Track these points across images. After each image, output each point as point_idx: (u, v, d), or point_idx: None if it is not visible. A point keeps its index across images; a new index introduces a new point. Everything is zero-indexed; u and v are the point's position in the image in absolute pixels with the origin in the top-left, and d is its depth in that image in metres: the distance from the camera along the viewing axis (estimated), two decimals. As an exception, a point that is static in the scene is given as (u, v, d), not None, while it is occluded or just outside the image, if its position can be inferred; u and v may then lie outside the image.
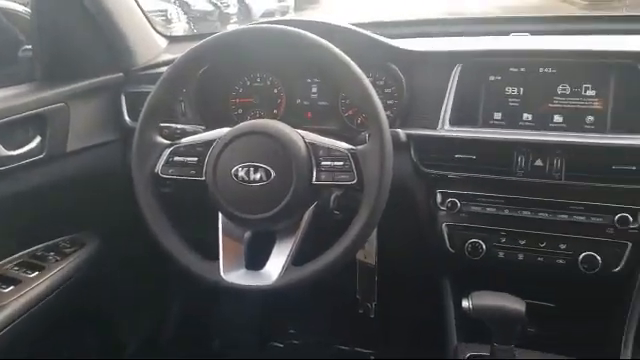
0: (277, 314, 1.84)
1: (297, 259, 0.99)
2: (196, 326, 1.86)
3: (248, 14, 10.21)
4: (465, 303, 1.06)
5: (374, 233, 1.31)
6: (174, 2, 8.17)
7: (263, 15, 10.25)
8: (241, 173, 0.99)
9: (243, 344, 1.83)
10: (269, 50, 1.08)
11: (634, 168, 1.13)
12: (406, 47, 1.31)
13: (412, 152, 1.26)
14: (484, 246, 1.22)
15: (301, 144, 1.00)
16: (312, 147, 1.00)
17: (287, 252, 0.99)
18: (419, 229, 1.29)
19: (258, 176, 0.98)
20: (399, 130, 1.19)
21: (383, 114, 0.97)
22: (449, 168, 1.24)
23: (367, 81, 0.98)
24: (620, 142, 1.14)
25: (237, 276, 1.00)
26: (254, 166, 0.98)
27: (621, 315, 1.20)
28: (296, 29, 1.00)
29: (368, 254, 1.31)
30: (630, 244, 1.15)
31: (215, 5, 9.69)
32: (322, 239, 0.98)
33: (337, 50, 0.99)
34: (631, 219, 1.14)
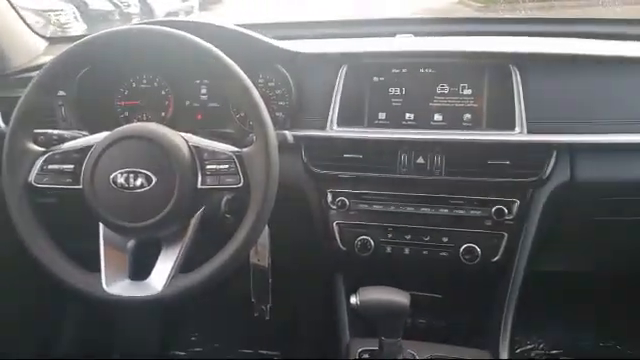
0: (178, 323, 1.80)
1: (186, 266, 0.97)
2: (93, 341, 1.77)
3: (150, 14, 9.88)
4: (353, 299, 1.08)
5: (266, 234, 1.32)
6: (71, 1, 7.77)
7: (167, 15, 9.96)
8: (120, 180, 0.95)
9: (144, 356, 1.77)
10: (152, 51, 1.05)
11: (508, 162, 1.20)
12: (292, 49, 1.32)
13: (302, 153, 1.27)
14: (372, 242, 1.25)
15: (184, 148, 0.98)
16: (196, 150, 0.98)
17: (173, 260, 0.97)
18: (312, 228, 1.31)
19: (139, 182, 0.95)
20: (286, 132, 1.20)
21: (266, 115, 0.97)
22: (338, 168, 1.26)
23: (248, 82, 0.97)
24: (494, 138, 1.20)
25: (120, 288, 0.96)
26: (134, 172, 0.95)
27: (501, 303, 1.27)
28: (177, 31, 0.98)
29: (261, 256, 1.31)
30: (506, 234, 1.22)
31: (115, 4, 9.31)
32: (215, 244, 0.97)
33: (218, 52, 0.98)
34: (506, 211, 1.21)
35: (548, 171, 1.20)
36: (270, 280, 1.31)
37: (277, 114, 1.31)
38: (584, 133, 1.20)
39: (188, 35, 0.98)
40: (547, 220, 1.23)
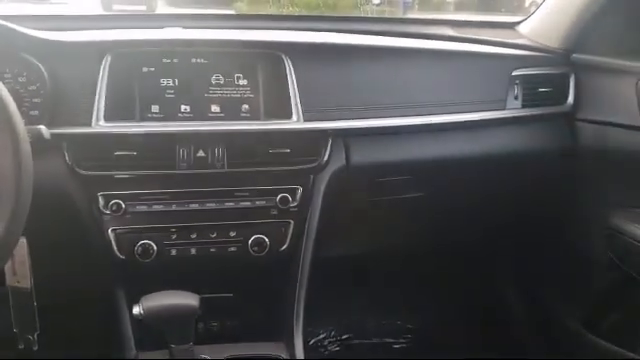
0: None
1: None
2: None
3: None
4: (136, 309, 0.99)
5: (25, 250, 1.13)
6: None
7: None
8: None
9: None
10: None
11: (288, 151, 1.20)
12: (45, 37, 1.16)
13: (65, 153, 1.12)
14: (155, 246, 1.15)
15: None
16: None
17: None
18: (83, 238, 1.16)
19: None
20: (41, 127, 1.04)
21: (10, 106, 0.82)
22: (110, 167, 1.14)
23: None
24: (273, 127, 1.19)
25: None
26: None
27: (292, 292, 1.27)
28: None
29: (21, 276, 1.12)
30: (292, 222, 1.22)
31: None
32: None
33: None
34: (291, 198, 1.21)
35: (326, 157, 1.23)
36: (35, 303, 1.13)
37: (32, 112, 1.13)
38: (356, 119, 1.26)
39: None
40: (329, 204, 1.26)
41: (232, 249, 1.20)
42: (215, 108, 1.20)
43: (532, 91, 1.41)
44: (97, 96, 1.14)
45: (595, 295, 1.58)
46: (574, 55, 1.43)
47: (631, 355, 1.44)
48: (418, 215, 1.49)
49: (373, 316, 1.86)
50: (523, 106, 1.40)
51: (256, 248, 1.20)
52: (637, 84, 1.29)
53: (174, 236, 1.17)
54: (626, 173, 1.37)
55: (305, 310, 1.27)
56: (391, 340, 1.78)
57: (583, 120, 1.42)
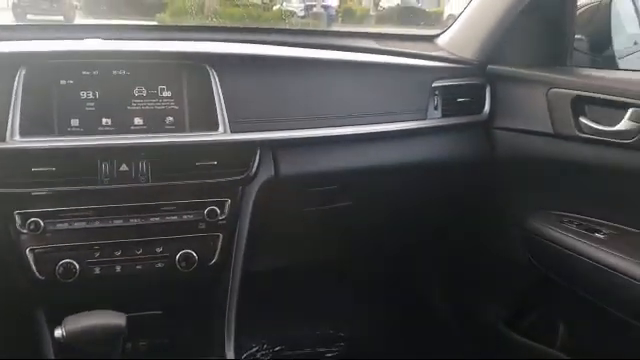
0: None
1: None
2: None
3: None
4: (58, 332, 0.94)
5: None
6: None
7: None
8: None
9: None
10: None
11: (215, 163, 1.19)
12: None
13: None
14: (77, 265, 1.11)
15: None
16: None
17: None
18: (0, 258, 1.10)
19: None
20: None
21: None
22: (27, 184, 1.09)
23: None
24: (199, 139, 1.18)
25: None
26: None
27: (222, 307, 1.25)
28: None
29: None
30: (221, 235, 1.21)
31: None
32: None
33: None
34: (219, 211, 1.20)
35: (254, 168, 1.22)
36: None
37: None
38: (284, 130, 1.26)
39: None
40: (259, 216, 1.25)
41: (159, 265, 1.17)
42: (138, 121, 1.17)
43: (451, 101, 1.47)
44: (11, 109, 1.08)
45: (516, 295, 1.66)
46: (489, 66, 1.50)
47: (549, 351, 1.52)
48: (347, 224, 1.51)
49: (306, 326, 1.86)
50: (443, 116, 1.46)
51: (184, 263, 1.17)
52: (547, 93, 1.37)
53: (97, 254, 1.13)
54: (541, 178, 1.45)
55: (237, 324, 1.26)
56: (324, 349, 1.79)
57: (499, 128, 1.49)
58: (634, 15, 1.84)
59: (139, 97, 1.17)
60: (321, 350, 1.79)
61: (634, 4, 1.82)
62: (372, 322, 1.87)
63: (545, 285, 1.52)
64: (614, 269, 1.24)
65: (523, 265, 1.50)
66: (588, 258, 1.29)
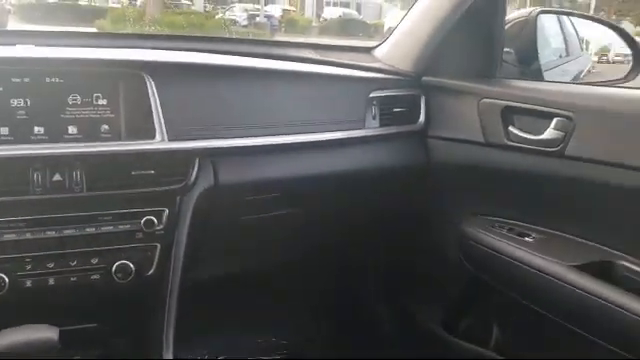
0: None
1: None
2: None
3: None
4: None
5: None
6: None
7: None
8: None
9: None
10: None
11: (152, 172, 1.17)
12: None
13: None
14: (7, 279, 1.07)
15: None
16: None
17: None
18: None
19: None
20: None
21: None
22: None
23: None
24: (135, 148, 1.16)
25: None
26: None
27: (161, 318, 1.23)
28: None
29: None
30: (159, 245, 1.20)
31: None
32: None
33: None
34: (156, 221, 1.18)
35: (192, 177, 1.21)
36: None
37: None
38: (223, 138, 1.26)
39: None
40: (198, 225, 1.25)
41: (95, 277, 1.14)
42: (72, 129, 1.14)
43: (388, 111, 1.51)
44: None
45: (452, 298, 1.71)
46: (424, 78, 1.56)
47: (484, 352, 1.58)
48: (288, 232, 1.52)
49: (247, 334, 1.86)
50: (380, 125, 1.49)
51: (120, 275, 1.15)
52: (478, 104, 1.43)
53: (29, 267, 1.09)
54: (473, 184, 1.51)
55: (175, 334, 1.24)
56: (265, 358, 1.79)
57: (434, 137, 1.55)
58: (559, 30, 1.95)
59: (73, 105, 1.15)
60: (263, 358, 1.79)
61: (558, 20, 1.93)
62: (313, 329, 1.88)
63: (479, 288, 1.57)
64: (542, 271, 1.30)
65: (458, 269, 1.55)
66: (518, 261, 1.35)
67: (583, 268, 1.25)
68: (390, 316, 1.88)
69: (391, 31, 1.69)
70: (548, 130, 1.30)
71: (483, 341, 1.60)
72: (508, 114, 1.39)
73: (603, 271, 1.24)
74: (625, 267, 1.23)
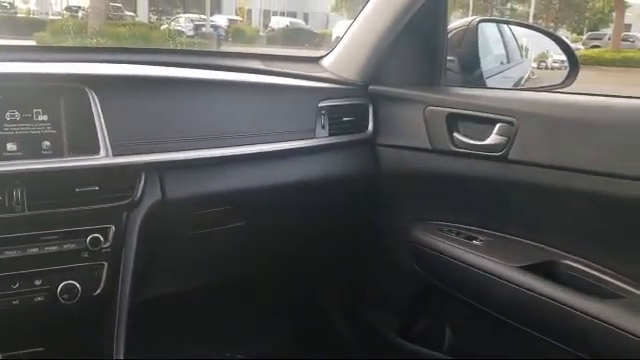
0: None
1: None
2: None
3: None
4: None
5: None
6: None
7: None
8: None
9: None
10: None
11: (97, 188, 1.14)
12: None
13: None
14: None
15: None
16: None
17: None
18: None
19: None
20: None
21: None
22: None
23: None
24: (78, 164, 1.12)
25: None
26: None
27: (110, 338, 1.20)
28: None
29: None
30: (106, 264, 1.16)
31: None
32: None
33: None
34: (103, 239, 1.15)
35: (139, 192, 1.18)
36: None
37: None
38: (170, 152, 1.24)
39: None
40: (147, 242, 1.22)
41: (39, 299, 1.10)
42: (11, 146, 1.10)
43: (337, 120, 1.52)
44: None
45: (406, 303, 1.73)
46: (370, 87, 1.58)
47: (437, 355, 1.60)
48: (240, 244, 1.51)
49: (201, 350, 1.82)
50: (330, 134, 1.50)
51: (66, 296, 1.11)
52: (424, 111, 1.46)
53: None
54: (422, 190, 1.54)
55: (127, 354, 1.20)
56: (220, 373, 1.77)
57: (382, 145, 1.57)
58: (499, 38, 2.01)
59: (12, 121, 1.10)
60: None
61: (498, 28, 2.00)
62: (269, 341, 1.87)
63: (432, 292, 1.60)
64: (490, 273, 1.33)
65: (411, 274, 1.57)
66: (467, 264, 1.38)
67: (529, 268, 1.29)
68: (346, 324, 1.89)
69: (338, 41, 1.71)
70: (492, 135, 1.34)
71: (437, 345, 1.62)
72: (453, 121, 1.42)
73: (548, 270, 1.28)
74: (568, 266, 1.28)
